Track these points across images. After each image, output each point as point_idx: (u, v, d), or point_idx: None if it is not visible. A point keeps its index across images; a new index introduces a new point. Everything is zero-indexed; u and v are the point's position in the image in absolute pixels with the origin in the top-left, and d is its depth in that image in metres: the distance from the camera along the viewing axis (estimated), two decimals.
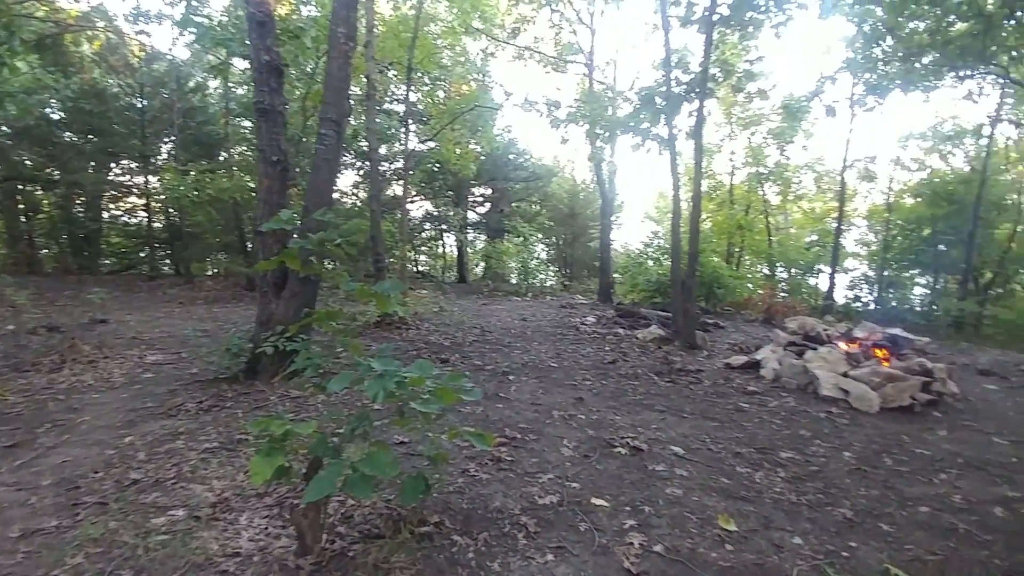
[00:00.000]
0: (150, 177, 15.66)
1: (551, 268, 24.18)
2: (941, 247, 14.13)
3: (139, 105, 14.94)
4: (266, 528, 2.46)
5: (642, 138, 8.18)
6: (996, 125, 12.78)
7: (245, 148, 15.18)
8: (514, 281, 18.68)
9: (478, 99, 13.71)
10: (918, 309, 13.70)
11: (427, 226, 22.50)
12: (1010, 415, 5.03)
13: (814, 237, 18.52)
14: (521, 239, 18.45)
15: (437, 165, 16.69)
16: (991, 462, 3.70)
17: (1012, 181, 13.99)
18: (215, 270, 15.89)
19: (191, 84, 15.39)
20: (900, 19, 8.08)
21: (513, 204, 21.43)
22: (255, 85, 5.50)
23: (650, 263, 13.53)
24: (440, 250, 24.14)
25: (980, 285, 13.45)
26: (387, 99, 15.71)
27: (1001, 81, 10.02)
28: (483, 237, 22.92)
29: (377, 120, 12.22)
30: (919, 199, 14.85)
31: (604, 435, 3.82)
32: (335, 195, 16.48)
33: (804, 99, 10.23)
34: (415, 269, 19.85)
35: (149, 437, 3.61)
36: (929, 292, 14.59)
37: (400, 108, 15.48)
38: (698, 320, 9.51)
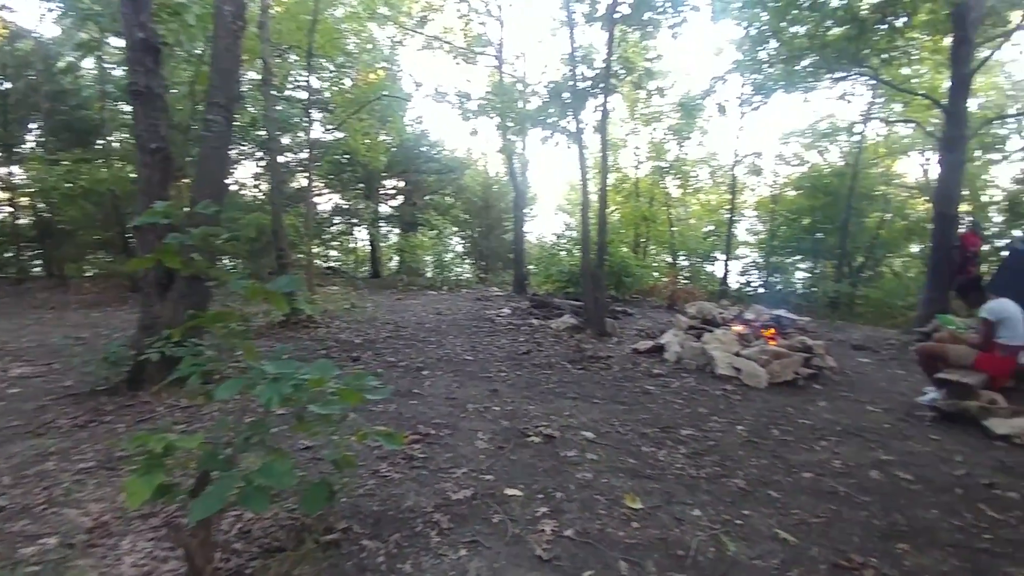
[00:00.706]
0: (14, 168, 13.84)
1: (467, 261, 24.12)
2: (819, 235, 15.60)
3: (0, 88, 13.13)
4: (151, 552, 2.25)
5: (551, 131, 8.32)
6: (867, 123, 14.29)
7: (126, 135, 13.77)
8: (430, 275, 18.43)
9: (386, 88, 13.30)
10: (800, 292, 15.08)
11: (337, 220, 21.64)
12: (881, 385, 5.66)
13: (711, 227, 19.79)
14: (435, 232, 18.22)
15: (346, 156, 16.03)
16: (866, 429, 4.13)
17: (880, 174, 15.70)
18: (93, 271, 14.31)
19: (60, 64, 13.71)
20: (782, 23, 8.77)
21: (427, 197, 21.10)
22: (129, 65, 4.98)
23: (563, 254, 13.85)
24: (352, 245, 23.33)
25: (853, 268, 15.02)
26: (288, 86, 14.86)
27: (872, 82, 11.17)
28: (396, 231, 22.42)
29: (277, 107, 11.53)
30: (800, 191, 16.30)
31: (518, 425, 3.86)
32: (232, 187, 15.43)
33: (698, 98, 10.87)
34: (324, 265, 19.01)
35: (15, 459, 3.20)
36: (809, 276, 16.09)
37: (303, 95, 14.71)
38: (608, 308, 9.87)
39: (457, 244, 24.84)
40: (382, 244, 21.91)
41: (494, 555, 2.23)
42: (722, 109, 9.00)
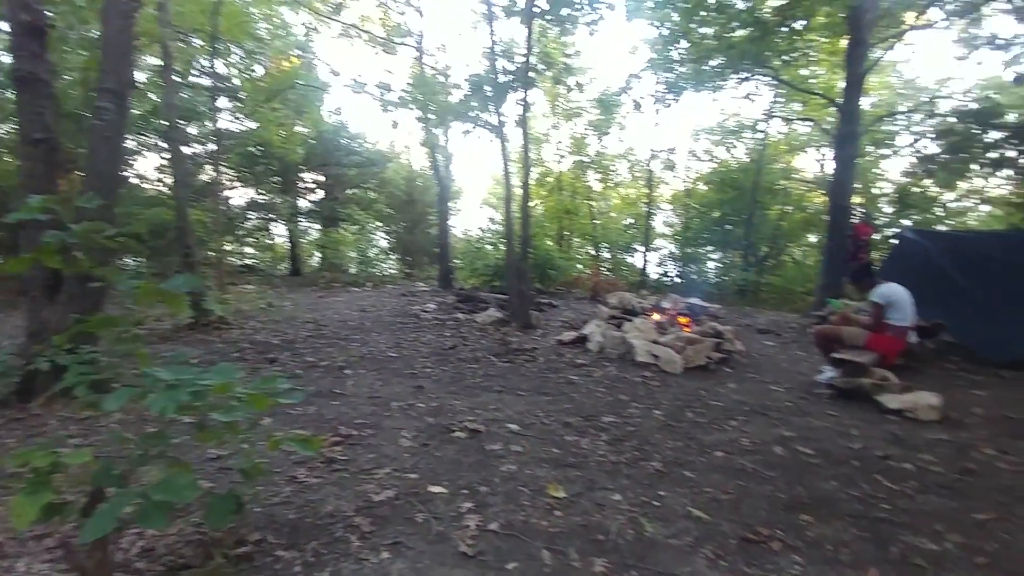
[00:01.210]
0: None
1: (392, 256, 23.60)
2: (728, 227, 16.59)
3: None
4: (48, 574, 2.04)
5: (473, 125, 8.28)
6: (769, 121, 15.31)
7: (13, 125, 12.27)
8: (353, 271, 17.87)
9: (300, 77, 12.69)
10: (712, 280, 16.00)
11: (253, 215, 20.47)
12: (784, 366, 6.09)
13: (631, 220, 20.52)
14: (358, 227, 17.67)
15: (259, 148, 15.16)
16: (770, 407, 4.42)
17: (781, 170, 16.88)
18: None
19: None
20: (691, 24, 9.20)
21: (348, 191, 20.40)
22: (12, 49, 4.52)
23: (488, 248, 13.86)
24: (269, 241, 22.16)
25: (758, 258, 16.10)
26: (192, 72, 13.83)
27: (774, 83, 11.94)
28: (318, 226, 21.53)
29: (181, 95, 10.71)
30: (710, 185, 17.25)
31: (443, 421, 3.81)
32: (132, 180, 14.17)
33: (616, 94, 11.20)
34: (239, 263, 17.93)
35: None
36: (720, 266, 17.09)
37: (209, 82, 13.74)
38: (533, 301, 9.99)
39: (382, 239, 24.30)
40: (302, 240, 20.98)
41: (417, 555, 2.19)
42: (638, 105, 9.34)
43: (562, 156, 18.65)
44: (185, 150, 12.24)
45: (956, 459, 3.40)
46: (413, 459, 3.16)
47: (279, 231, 21.64)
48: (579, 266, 16.38)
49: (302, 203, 20.55)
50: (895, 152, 14.70)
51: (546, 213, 18.15)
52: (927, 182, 12.88)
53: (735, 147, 17.17)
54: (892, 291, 4.97)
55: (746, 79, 10.48)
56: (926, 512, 2.67)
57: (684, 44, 9.67)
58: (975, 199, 14.19)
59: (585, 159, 18.01)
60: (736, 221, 16.02)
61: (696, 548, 2.28)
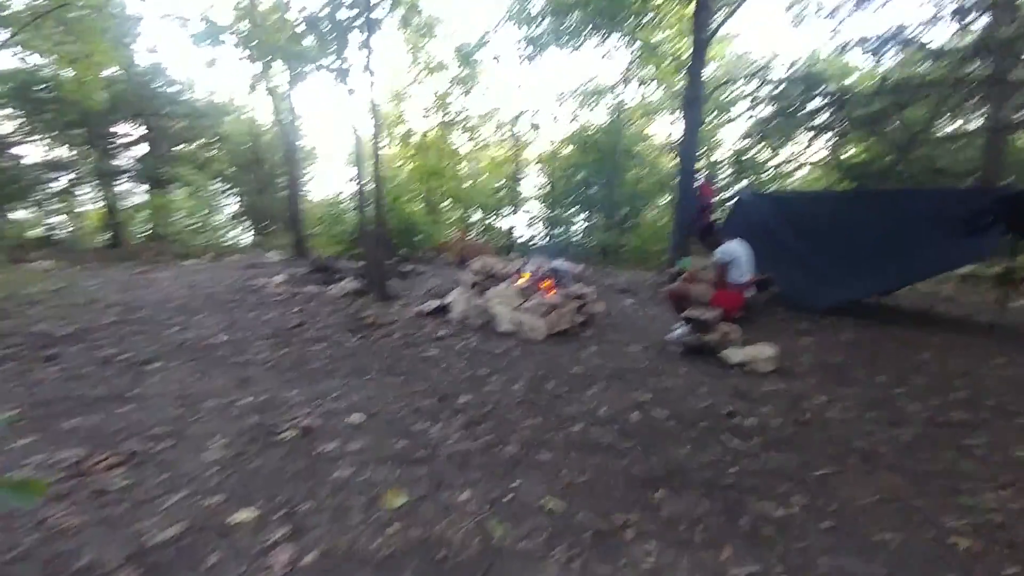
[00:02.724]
0: None
1: (244, 223, 21.27)
2: (591, 189, 17.06)
3: None
4: None
5: (313, 67, 7.28)
6: (627, 84, 15.73)
7: None
8: (190, 241, 15.70)
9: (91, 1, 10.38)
10: (577, 241, 16.45)
11: (53, 176, 16.98)
12: (641, 325, 6.20)
13: (502, 182, 20.35)
14: (191, 190, 15.45)
15: (46, 89, 12.37)
16: (628, 370, 4.39)
17: (637, 133, 17.59)
18: None
19: None
20: None
21: (179, 147, 17.70)
22: None
23: (349, 213, 12.82)
24: (79, 208, 18.68)
25: (619, 219, 16.80)
26: None
27: (632, 45, 12.10)
28: (145, 189, 18.48)
29: None
30: (573, 147, 17.53)
31: (269, 420, 3.21)
32: None
33: (475, 46, 10.66)
34: (34, 234, 14.88)
35: None
36: (585, 226, 17.62)
37: None
38: (396, 268, 9.38)
39: (233, 204, 21.73)
40: (125, 206, 17.95)
41: None
42: (497, 59, 8.89)
43: (427, 114, 17.76)
44: None
45: (791, 410, 3.56)
46: (220, 476, 2.56)
47: (93, 195, 18.38)
48: (449, 231, 15.90)
49: (120, 162, 17.49)
50: (731, 120, 15.93)
51: (412, 175, 17.28)
52: (759, 147, 14.15)
53: (595, 109, 17.53)
54: (732, 249, 5.18)
55: (606, 36, 10.46)
56: (770, 471, 2.69)
57: None
58: (797, 163, 15.98)
59: (449, 118, 17.29)
60: (599, 183, 16.49)
61: (548, 550, 2.02)
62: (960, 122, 11.92)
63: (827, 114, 9.07)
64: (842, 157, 12.69)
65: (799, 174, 15.79)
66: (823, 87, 9.22)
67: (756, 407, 3.59)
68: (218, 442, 2.91)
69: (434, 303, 6.47)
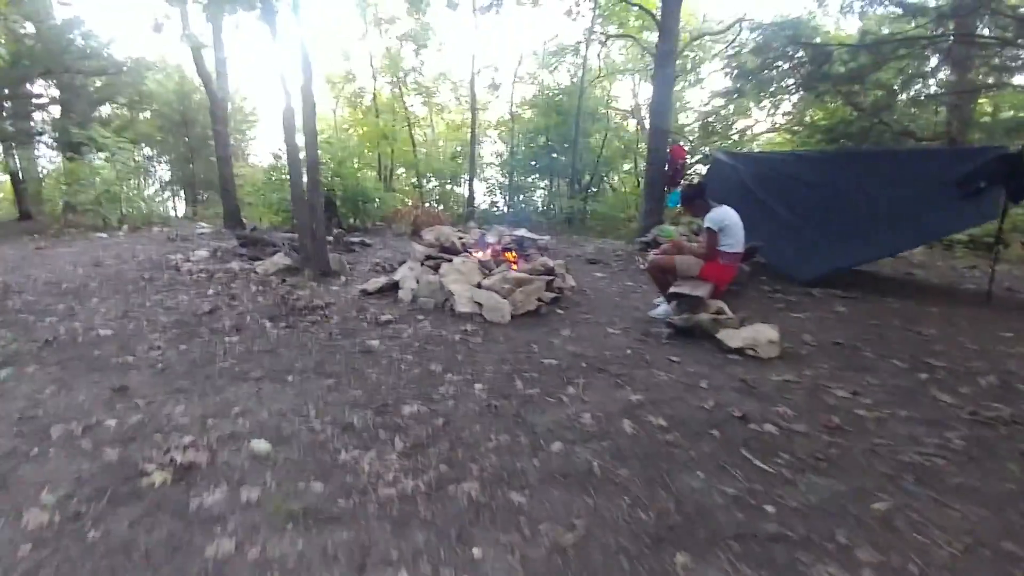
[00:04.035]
0: None
1: (175, 192, 19.51)
2: (554, 155, 16.16)
3: None
4: None
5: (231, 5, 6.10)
6: (589, 44, 14.73)
7: None
8: (109, 212, 14.05)
9: None
10: (540, 209, 15.63)
11: None
12: (616, 301, 5.50)
13: (459, 148, 19.20)
14: (107, 155, 13.74)
15: None
16: (610, 360, 3.67)
17: (600, 97, 16.68)
18: None
19: None
20: None
21: (99, 110, 15.75)
22: None
23: (286, 178, 11.57)
24: None
25: (583, 185, 16.02)
26: None
27: (592, 7, 11.11)
28: (59, 155, 16.44)
29: None
30: (534, 110, 16.51)
31: (136, 454, 2.33)
32: None
33: None
34: None
35: None
36: (547, 194, 16.77)
37: None
38: (343, 239, 8.40)
39: (164, 170, 19.86)
40: (36, 175, 15.95)
41: None
42: (451, 3, 7.83)
43: (376, 73, 16.34)
44: None
45: (813, 409, 2.92)
46: (36, 556, 1.69)
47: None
48: (407, 199, 14.80)
49: (27, 125, 15.39)
50: (699, 81, 15.24)
51: (361, 138, 15.96)
52: (729, 108, 13.56)
53: (557, 69, 16.50)
54: (725, 215, 4.48)
55: None
56: (818, 509, 2.01)
57: None
58: (768, 125, 15.48)
59: (401, 75, 15.94)
60: (561, 148, 15.61)
61: None
62: (921, 84, 11.54)
63: (808, 69, 8.43)
64: (809, 120, 12.21)
65: (764, 138, 15.33)
66: (806, 39, 8.55)
67: (770, 407, 2.93)
68: (51, 495, 2.03)
69: (381, 280, 5.59)
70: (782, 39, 8.27)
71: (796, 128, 12.83)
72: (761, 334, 3.76)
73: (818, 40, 9.15)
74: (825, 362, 3.71)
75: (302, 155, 5.89)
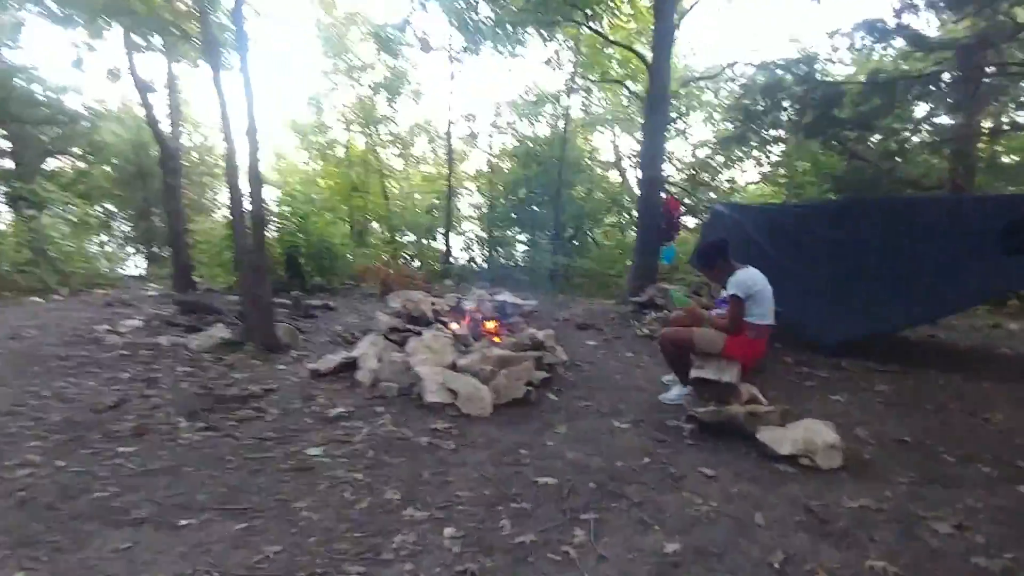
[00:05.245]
0: None
1: (133, 250, 18.42)
2: (534, 207, 15.62)
3: None
4: None
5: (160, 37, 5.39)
6: (571, 93, 14.45)
7: None
8: (52, 272, 12.90)
9: None
10: (522, 265, 14.92)
11: None
12: (617, 378, 4.67)
13: (436, 200, 18.64)
14: (61, 211, 12.78)
15: None
16: (624, 475, 2.80)
17: (583, 147, 16.35)
18: None
19: None
20: None
21: (55, 161, 14.84)
22: None
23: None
24: None
25: (566, 239, 15.41)
26: None
27: (572, 56, 10.72)
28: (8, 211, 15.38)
29: None
30: (514, 160, 16.06)
31: None
32: None
33: (395, 27, 9.02)
34: None
35: None
36: (528, 248, 16.12)
37: None
38: (303, 303, 7.48)
39: (121, 226, 18.79)
40: None
41: None
42: (426, 45, 7.33)
43: (348, 123, 15.83)
44: None
45: (919, 558, 2.07)
46: None
47: None
48: (384, 255, 14.01)
49: None
50: (681, 132, 15.02)
51: (332, 191, 15.26)
52: (715, 160, 13.26)
53: (538, 120, 16.20)
54: (753, 280, 3.72)
55: (553, 25, 9.01)
56: None
57: None
58: (748, 177, 15.26)
59: (374, 128, 15.44)
60: (543, 200, 15.08)
61: None
62: (932, 128, 11.01)
63: (816, 112, 7.98)
64: (800, 170, 11.87)
65: (752, 188, 15.04)
66: (814, 75, 8.10)
67: (861, 557, 2.07)
68: None
69: (336, 358, 4.66)
70: (794, 77, 7.83)
71: (782, 179, 12.51)
72: (816, 435, 2.93)
73: (831, 79, 8.73)
74: (899, 472, 2.87)
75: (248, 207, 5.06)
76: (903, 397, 4.19)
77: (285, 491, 2.61)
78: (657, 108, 7.73)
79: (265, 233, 9.90)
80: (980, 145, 10.27)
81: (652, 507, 2.47)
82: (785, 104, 8.36)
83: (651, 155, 8.00)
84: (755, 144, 11.03)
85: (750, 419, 3.17)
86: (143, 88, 8.52)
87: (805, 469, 2.85)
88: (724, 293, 5.94)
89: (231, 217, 5.32)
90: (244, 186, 5.25)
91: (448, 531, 2.25)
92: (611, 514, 2.41)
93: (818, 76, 8.51)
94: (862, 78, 8.91)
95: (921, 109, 9.18)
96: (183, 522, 2.33)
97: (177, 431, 3.36)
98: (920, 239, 5.06)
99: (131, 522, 2.33)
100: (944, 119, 9.94)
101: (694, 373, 3.54)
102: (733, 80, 11.08)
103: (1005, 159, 11.49)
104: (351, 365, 4.57)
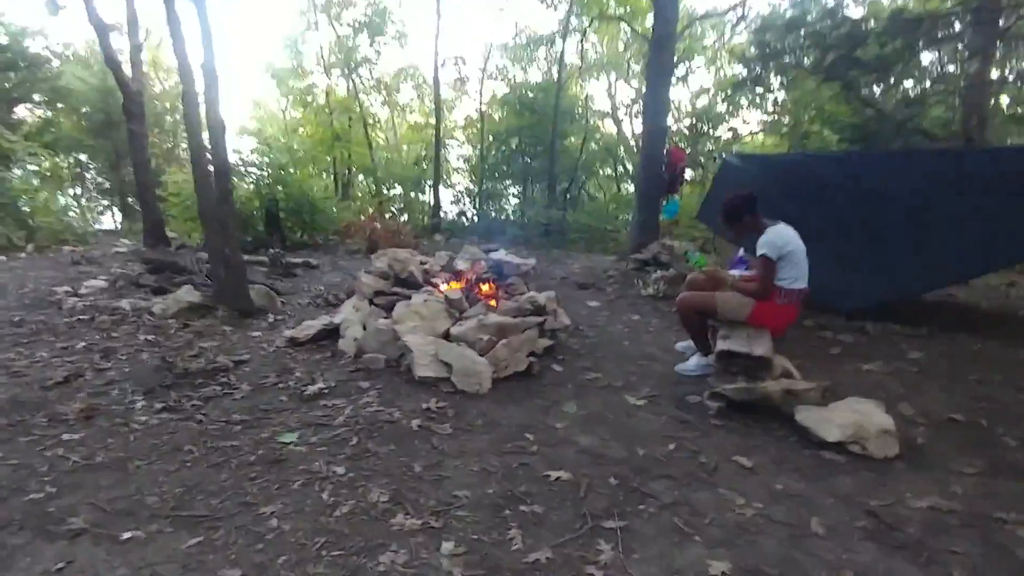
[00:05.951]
0: None
1: (111, 203, 17.60)
2: (527, 159, 14.90)
3: None
4: None
5: None
6: (565, 36, 13.51)
7: None
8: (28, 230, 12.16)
9: None
10: (514, 219, 14.33)
11: None
12: (624, 344, 4.28)
13: (424, 151, 17.80)
14: (20, 162, 11.89)
15: None
16: (648, 467, 2.42)
17: (578, 95, 15.46)
18: None
19: None
20: None
21: (20, 109, 13.77)
22: None
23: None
24: None
25: (561, 192, 14.77)
26: None
27: None
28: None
29: None
30: (506, 107, 15.19)
31: None
32: None
33: None
34: None
35: None
36: (521, 201, 15.48)
37: None
38: (281, 261, 6.97)
39: (97, 177, 17.87)
40: None
41: None
42: None
43: (328, 66, 14.80)
44: None
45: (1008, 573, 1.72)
46: None
47: None
48: (367, 208, 13.35)
49: None
50: (688, 74, 14.20)
51: (312, 140, 14.40)
52: (720, 106, 12.57)
53: (531, 64, 15.24)
54: (787, 238, 3.27)
55: None
56: None
57: None
58: (750, 127, 14.59)
59: (356, 70, 14.43)
60: (537, 151, 14.34)
61: None
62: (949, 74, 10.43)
63: (838, 53, 7.36)
64: (807, 118, 11.26)
65: (753, 140, 14.42)
66: (840, 9, 7.43)
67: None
68: None
69: (316, 324, 4.21)
70: (820, 12, 7.14)
71: (785, 127, 11.90)
72: (866, 418, 2.55)
73: (859, 15, 8.03)
74: (961, 461, 2.52)
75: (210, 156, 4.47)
76: (939, 367, 3.84)
77: (251, 491, 2.20)
78: (663, 47, 7.02)
79: (239, 184, 9.34)
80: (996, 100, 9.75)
81: (686, 510, 2.09)
82: (807, 42, 7.68)
83: (655, 101, 7.35)
84: (765, 89, 10.34)
85: (786, 397, 2.80)
86: (100, 27, 7.62)
87: (855, 457, 2.49)
88: (742, 252, 5.51)
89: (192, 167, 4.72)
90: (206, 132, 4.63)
91: (446, 546, 1.86)
92: (639, 519, 2.03)
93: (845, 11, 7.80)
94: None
95: (936, 61, 8.57)
96: (127, 535, 1.92)
97: (131, 413, 2.92)
98: (949, 194, 4.62)
99: (66, 534, 1.92)
100: (956, 68, 9.38)
101: (721, 345, 3.14)
102: (744, 19, 10.31)
103: (1020, 109, 10.95)
104: (333, 332, 4.14)
